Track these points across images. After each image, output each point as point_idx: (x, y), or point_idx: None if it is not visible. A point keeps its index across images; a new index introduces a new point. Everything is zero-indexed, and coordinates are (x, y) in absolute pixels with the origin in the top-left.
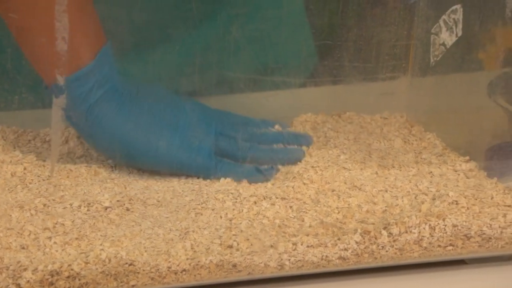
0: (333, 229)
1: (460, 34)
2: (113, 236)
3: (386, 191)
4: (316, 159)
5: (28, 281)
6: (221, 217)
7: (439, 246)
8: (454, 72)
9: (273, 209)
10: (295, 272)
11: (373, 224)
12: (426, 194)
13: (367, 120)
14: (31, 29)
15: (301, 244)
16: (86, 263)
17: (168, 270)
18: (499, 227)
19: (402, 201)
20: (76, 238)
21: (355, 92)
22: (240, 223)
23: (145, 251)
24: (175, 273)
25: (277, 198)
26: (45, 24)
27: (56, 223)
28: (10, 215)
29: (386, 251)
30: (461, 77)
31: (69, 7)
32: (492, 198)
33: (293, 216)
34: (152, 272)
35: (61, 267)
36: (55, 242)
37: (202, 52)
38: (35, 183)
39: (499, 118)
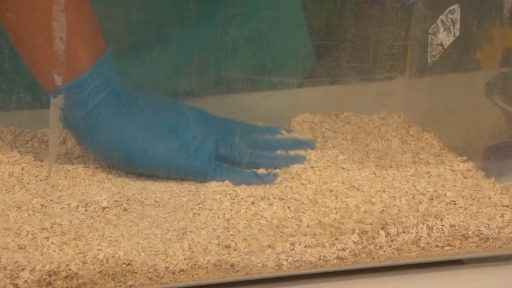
0: (331, 229)
1: (457, 34)
2: (110, 236)
3: (384, 191)
4: (314, 159)
5: (26, 281)
6: (218, 217)
7: (436, 246)
8: (451, 72)
9: (271, 210)
10: (293, 272)
11: (371, 224)
12: (423, 194)
13: (365, 120)
14: (29, 33)
15: (299, 244)
16: (84, 263)
17: (166, 270)
18: (497, 227)
19: (400, 201)
20: (74, 238)
21: (353, 92)
22: (238, 223)
23: (143, 251)
24: (173, 273)
25: (275, 198)
26: (43, 27)
27: (53, 223)
28: (8, 215)
29: (384, 251)
30: (459, 77)
31: (67, 12)
32: (489, 198)
33: (291, 216)
34: (150, 272)
35: (58, 267)
36: (52, 242)
37: (199, 52)
38: (33, 184)
39: (496, 118)
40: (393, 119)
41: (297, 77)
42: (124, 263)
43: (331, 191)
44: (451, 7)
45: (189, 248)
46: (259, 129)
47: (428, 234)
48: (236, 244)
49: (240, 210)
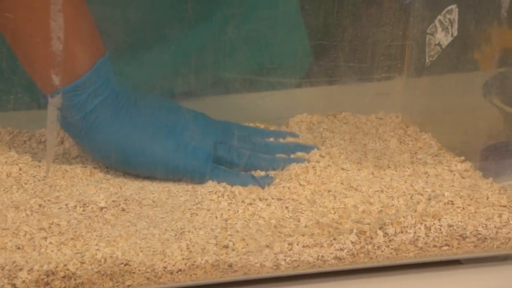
0: (329, 229)
1: (455, 34)
2: (108, 236)
3: (382, 191)
4: (315, 159)
5: (24, 281)
6: (216, 217)
7: (434, 246)
8: (449, 72)
9: (269, 210)
10: (291, 272)
11: (369, 224)
12: (421, 194)
13: (363, 121)
14: (27, 34)
15: (297, 244)
16: (82, 263)
17: (163, 270)
18: (495, 227)
19: (398, 201)
20: (72, 238)
21: (351, 92)
22: (236, 223)
23: (141, 251)
24: (171, 273)
25: (273, 198)
26: (41, 29)
27: (51, 224)
28: (6, 216)
29: (382, 251)
30: (457, 77)
31: (65, 13)
32: (487, 198)
33: (289, 217)
34: (147, 272)
35: (56, 267)
36: (50, 242)
37: (197, 53)
38: (31, 184)
39: (494, 118)
40: (391, 119)
41: (295, 77)
42: (122, 263)
43: (329, 191)
44: (449, 7)
45: (187, 248)
46: (262, 132)
47: (426, 234)
48: (234, 244)
49: (238, 210)
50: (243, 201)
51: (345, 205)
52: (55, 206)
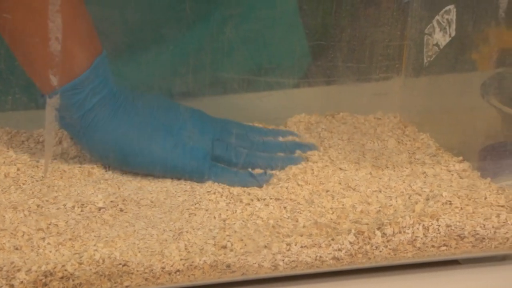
0: (327, 229)
1: (453, 34)
2: (106, 237)
3: (380, 191)
4: (314, 159)
5: (22, 282)
6: (214, 217)
7: (432, 246)
8: (447, 72)
9: (267, 210)
10: (289, 272)
11: (367, 224)
12: (419, 195)
13: (361, 121)
14: (25, 34)
15: (295, 245)
16: (80, 263)
17: (162, 270)
18: (493, 227)
19: (396, 201)
20: (70, 239)
21: (349, 92)
22: (234, 223)
23: (139, 251)
24: (169, 274)
25: (271, 199)
26: (39, 28)
27: (49, 224)
28: (4, 216)
29: (380, 252)
30: (455, 77)
31: (63, 13)
32: (485, 198)
33: (287, 217)
34: (146, 272)
35: (54, 267)
36: (48, 243)
37: (195, 53)
38: (29, 184)
39: (492, 119)
40: (389, 119)
41: (293, 77)
42: (120, 264)
43: (327, 191)
44: (447, 8)
45: (185, 249)
46: (260, 131)
47: (424, 234)
48: (232, 245)
49: (236, 211)
50: (241, 201)
51: (343, 205)
52: (53, 206)
